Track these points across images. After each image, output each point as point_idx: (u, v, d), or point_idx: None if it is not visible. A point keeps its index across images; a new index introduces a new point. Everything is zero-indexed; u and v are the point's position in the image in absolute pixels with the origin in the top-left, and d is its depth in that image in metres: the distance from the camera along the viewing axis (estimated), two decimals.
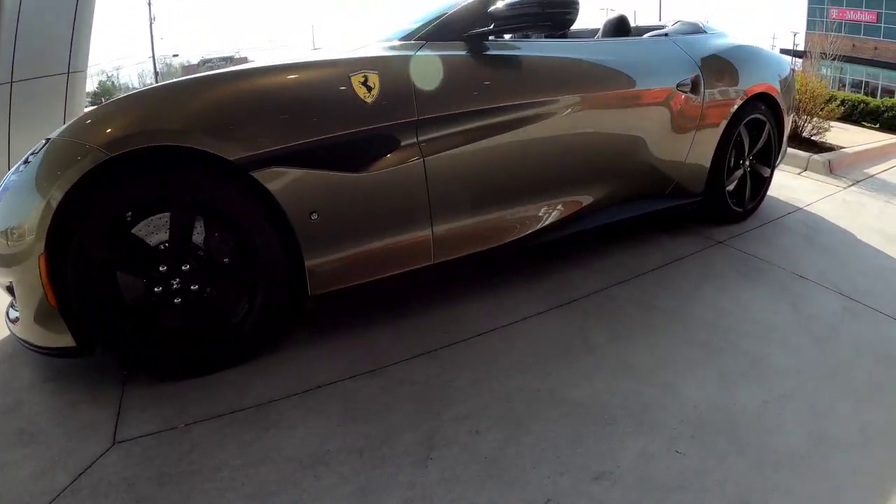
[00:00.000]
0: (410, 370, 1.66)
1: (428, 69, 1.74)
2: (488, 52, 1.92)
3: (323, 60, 1.69)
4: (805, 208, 3.36)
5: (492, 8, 1.88)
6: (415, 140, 1.68)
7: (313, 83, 1.60)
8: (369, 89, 1.60)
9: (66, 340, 1.48)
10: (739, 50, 2.86)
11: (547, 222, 2.16)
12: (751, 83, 2.79)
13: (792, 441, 1.46)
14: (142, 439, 1.39)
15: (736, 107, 2.71)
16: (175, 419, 1.45)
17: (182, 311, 1.55)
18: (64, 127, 1.46)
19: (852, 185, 3.99)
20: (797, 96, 4.68)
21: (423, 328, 1.90)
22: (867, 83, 22.46)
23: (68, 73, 7.49)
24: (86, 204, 1.41)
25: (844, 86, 20.94)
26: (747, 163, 2.94)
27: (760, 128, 2.94)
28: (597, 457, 1.37)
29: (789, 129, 3.29)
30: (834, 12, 22.62)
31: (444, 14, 1.94)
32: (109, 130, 1.41)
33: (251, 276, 1.60)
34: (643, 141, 2.41)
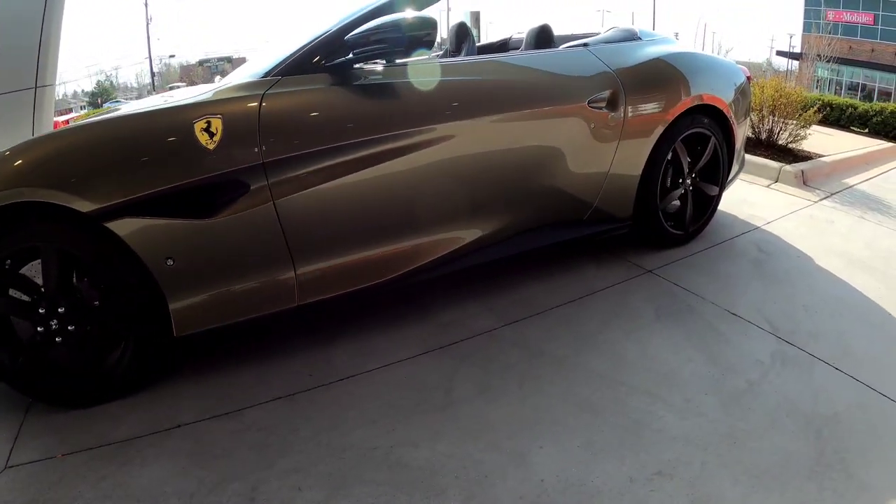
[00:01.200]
0: (265, 414, 1.62)
1: (277, 108, 1.67)
2: (358, 83, 1.78)
3: (168, 108, 1.66)
4: (764, 227, 3.02)
5: (348, 35, 1.76)
6: (264, 183, 1.64)
7: (158, 132, 1.60)
8: (211, 135, 1.60)
9: None
10: (676, 58, 2.54)
11: (428, 259, 1.95)
12: (689, 94, 2.47)
13: None
14: (28, 465, 1.46)
15: (668, 122, 2.39)
16: (57, 448, 1.51)
17: (64, 349, 1.63)
18: None
19: (825, 198, 3.63)
20: (771, 102, 4.35)
21: (293, 369, 1.82)
22: (864, 85, 21.77)
23: (35, 87, 7.43)
24: None
25: (841, 88, 20.34)
26: (688, 181, 2.62)
27: (704, 142, 2.63)
28: None
29: (741, 141, 2.96)
30: (830, 14, 21.96)
31: (304, 47, 1.78)
32: None
33: (120, 317, 1.66)
34: (548, 166, 2.13)
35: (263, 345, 1.96)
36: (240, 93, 1.67)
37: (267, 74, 1.73)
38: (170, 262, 1.59)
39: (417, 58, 1.90)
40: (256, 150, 1.62)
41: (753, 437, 1.48)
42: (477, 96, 1.96)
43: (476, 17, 16.19)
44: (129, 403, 1.67)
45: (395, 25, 1.67)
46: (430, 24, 1.70)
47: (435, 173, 1.89)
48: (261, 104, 1.64)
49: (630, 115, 2.27)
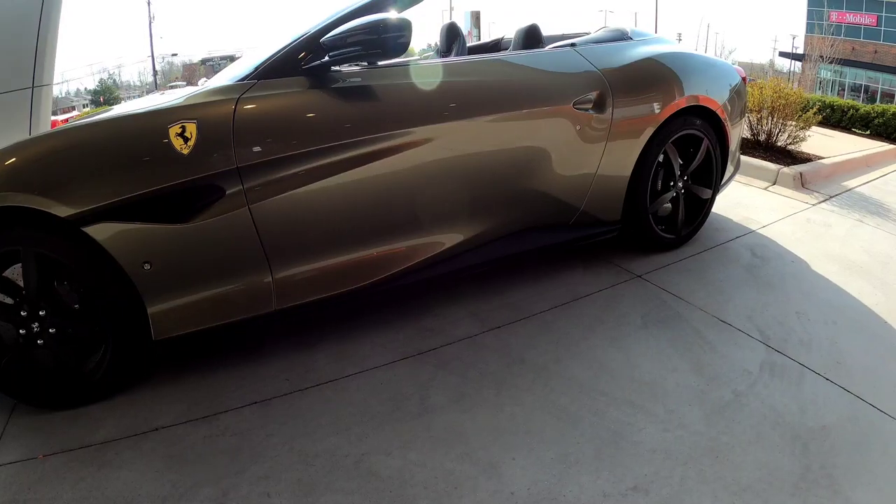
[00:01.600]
0: (240, 419, 1.61)
1: (252, 112, 1.65)
2: (336, 86, 1.75)
3: (144, 112, 1.66)
4: (759, 231, 2.95)
5: (324, 38, 1.73)
6: (240, 187, 1.63)
7: (134, 137, 1.61)
8: (186, 140, 1.59)
9: None
10: (668, 59, 2.47)
11: (409, 264, 1.91)
12: (680, 95, 2.41)
13: None
14: (8, 466, 1.47)
15: (659, 124, 2.33)
16: (39, 449, 1.52)
17: (46, 352, 1.64)
18: None
19: (823, 200, 3.56)
20: (770, 104, 4.28)
21: (270, 373, 1.80)
22: (867, 87, 21.56)
23: (33, 87, 7.43)
24: None
25: (844, 89, 20.15)
26: (680, 184, 2.56)
27: (697, 144, 2.57)
28: None
29: (736, 143, 2.89)
30: (833, 15, 21.78)
31: (281, 50, 1.75)
32: None
33: (99, 321, 1.67)
34: (532, 169, 2.07)
35: (244, 347, 1.93)
36: (215, 97, 1.66)
37: (244, 78, 1.70)
38: (147, 266, 1.60)
39: (397, 59, 1.87)
40: (231, 154, 1.61)
41: (736, 451, 1.42)
42: (457, 98, 1.91)
43: (476, 16, 16.11)
44: (109, 405, 1.68)
45: (370, 28, 1.63)
46: (405, 27, 1.66)
47: (413, 177, 1.85)
48: (235, 108, 1.63)
49: (618, 116, 2.21)
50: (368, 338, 1.94)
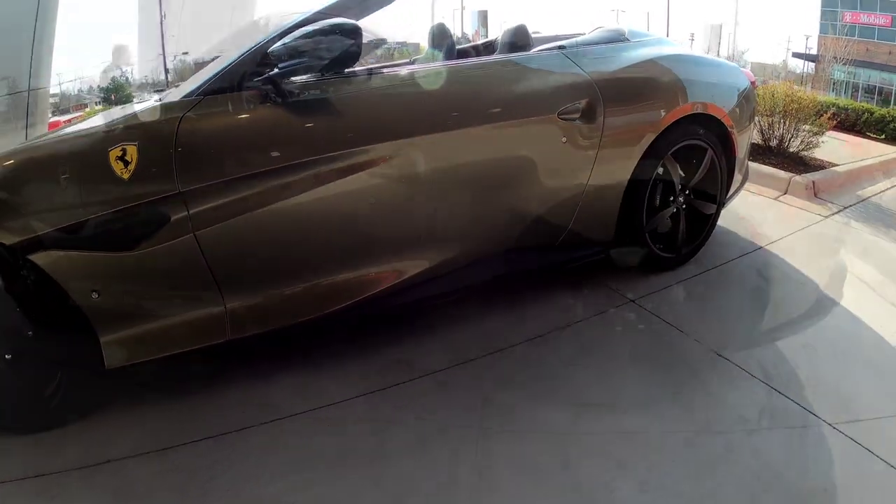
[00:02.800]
0: (191, 455, 1.53)
1: (196, 132, 1.53)
2: (291, 99, 1.61)
3: (86, 134, 1.62)
4: (767, 247, 2.75)
5: (272, 48, 1.59)
6: (185, 213, 1.53)
7: (76, 161, 1.54)
8: (126, 164, 1.51)
9: None
10: (668, 61, 2.27)
11: (373, 291, 1.77)
12: (682, 102, 2.21)
13: None
14: None
15: (657, 134, 2.14)
16: None
17: (1, 378, 1.57)
18: None
19: (838, 212, 3.34)
20: (782, 108, 4.06)
21: (227, 404, 1.70)
22: (881, 89, 20.90)
23: (29, 90, 7.43)
24: None
25: (858, 91, 19.60)
26: (681, 199, 2.37)
27: (700, 156, 2.37)
28: None
29: (745, 151, 2.69)
30: (847, 15, 21.18)
31: (229, 64, 1.63)
32: None
33: (54, 349, 1.61)
34: (511, 188, 1.90)
35: (202, 374, 1.81)
36: (156, 116, 1.56)
37: (189, 94, 1.58)
38: (95, 295, 1.53)
39: (371, 66, 1.74)
40: (174, 178, 1.51)
41: None
42: (426, 110, 1.76)
43: (484, 16, 15.92)
44: (64, 434, 1.62)
45: (318, 34, 1.52)
46: (355, 32, 1.53)
47: (375, 199, 1.71)
48: (178, 128, 1.52)
49: (610, 126, 2.03)
50: (330, 370, 1.79)
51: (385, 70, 1.98)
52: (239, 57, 1.61)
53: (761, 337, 1.96)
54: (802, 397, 1.65)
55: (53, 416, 1.64)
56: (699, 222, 2.47)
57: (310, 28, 1.54)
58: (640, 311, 2.10)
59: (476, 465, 1.40)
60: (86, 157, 1.53)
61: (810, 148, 4.06)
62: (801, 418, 1.57)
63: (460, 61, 2.13)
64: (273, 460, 1.47)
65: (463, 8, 27.51)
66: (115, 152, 1.49)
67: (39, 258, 1.48)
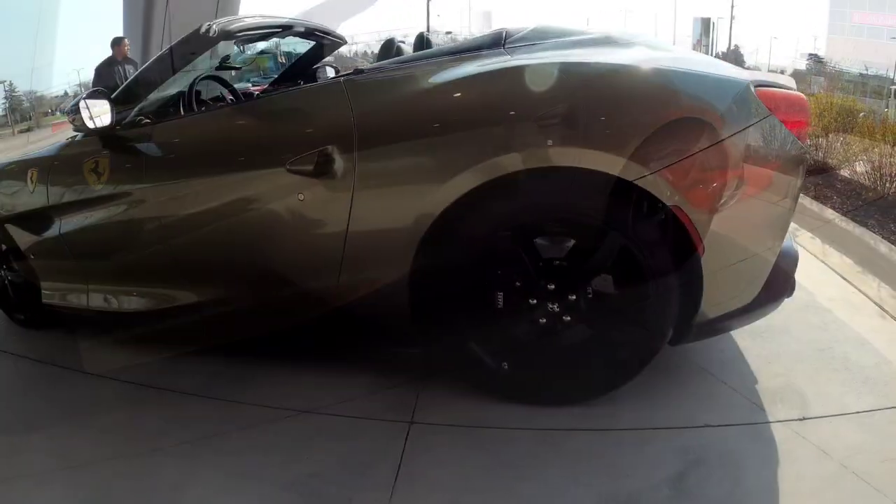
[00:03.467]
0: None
1: None
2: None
3: None
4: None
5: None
6: None
7: None
8: None
9: None
10: (548, 76, 1.40)
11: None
12: (530, 145, 1.38)
13: None
14: None
15: (450, 202, 1.41)
16: None
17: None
18: None
19: None
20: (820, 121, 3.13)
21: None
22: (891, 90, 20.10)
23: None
24: None
25: (865, 94, 18.91)
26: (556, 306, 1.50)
27: (599, 238, 1.44)
28: None
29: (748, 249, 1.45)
30: (856, 16, 20.44)
31: None
32: None
33: None
34: (250, 252, 1.71)
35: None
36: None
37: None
38: None
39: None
40: None
41: None
42: (169, 158, 1.83)
43: (488, 17, 15.51)
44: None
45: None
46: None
47: (135, 229, 1.83)
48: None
49: (362, 186, 1.46)
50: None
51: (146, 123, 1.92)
52: None
53: None
54: None
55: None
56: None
57: None
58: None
59: None
60: None
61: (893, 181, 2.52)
62: None
63: (225, 105, 2.16)
64: None
65: (470, 9, 26.91)
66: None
67: None
